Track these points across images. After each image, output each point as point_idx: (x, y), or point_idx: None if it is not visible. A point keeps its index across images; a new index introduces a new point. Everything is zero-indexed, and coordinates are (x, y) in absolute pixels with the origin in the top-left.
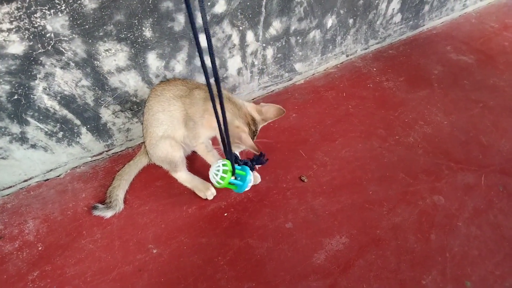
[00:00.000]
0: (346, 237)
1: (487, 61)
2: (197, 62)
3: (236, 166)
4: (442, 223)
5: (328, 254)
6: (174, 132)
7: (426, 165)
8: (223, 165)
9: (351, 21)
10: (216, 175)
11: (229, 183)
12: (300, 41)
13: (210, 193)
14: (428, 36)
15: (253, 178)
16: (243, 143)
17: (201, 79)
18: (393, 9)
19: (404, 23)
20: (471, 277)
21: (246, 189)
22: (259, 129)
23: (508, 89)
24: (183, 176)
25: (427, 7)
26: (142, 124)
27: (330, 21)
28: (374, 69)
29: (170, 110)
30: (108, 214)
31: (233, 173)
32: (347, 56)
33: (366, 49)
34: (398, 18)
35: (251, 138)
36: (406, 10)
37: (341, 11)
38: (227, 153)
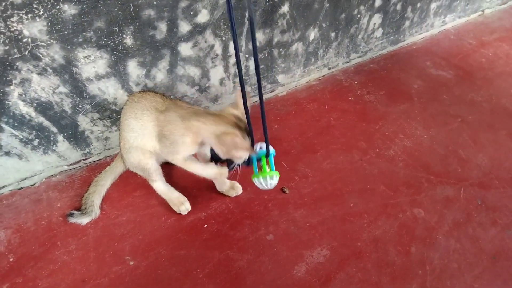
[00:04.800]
0: (327, 250)
1: (466, 77)
2: (179, 71)
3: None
4: (422, 236)
5: (309, 267)
6: (144, 142)
7: (406, 178)
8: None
9: (333, 34)
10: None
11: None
12: (282, 53)
13: (184, 209)
14: (408, 51)
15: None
16: (239, 148)
17: (182, 88)
18: (374, 24)
19: (385, 38)
20: None
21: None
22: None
23: (485, 105)
24: (160, 187)
25: (407, 23)
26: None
27: (312, 34)
28: (356, 82)
29: (142, 119)
30: (84, 220)
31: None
32: (329, 69)
33: (347, 62)
34: (379, 33)
35: (246, 135)
36: (387, 25)
37: (323, 25)
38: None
